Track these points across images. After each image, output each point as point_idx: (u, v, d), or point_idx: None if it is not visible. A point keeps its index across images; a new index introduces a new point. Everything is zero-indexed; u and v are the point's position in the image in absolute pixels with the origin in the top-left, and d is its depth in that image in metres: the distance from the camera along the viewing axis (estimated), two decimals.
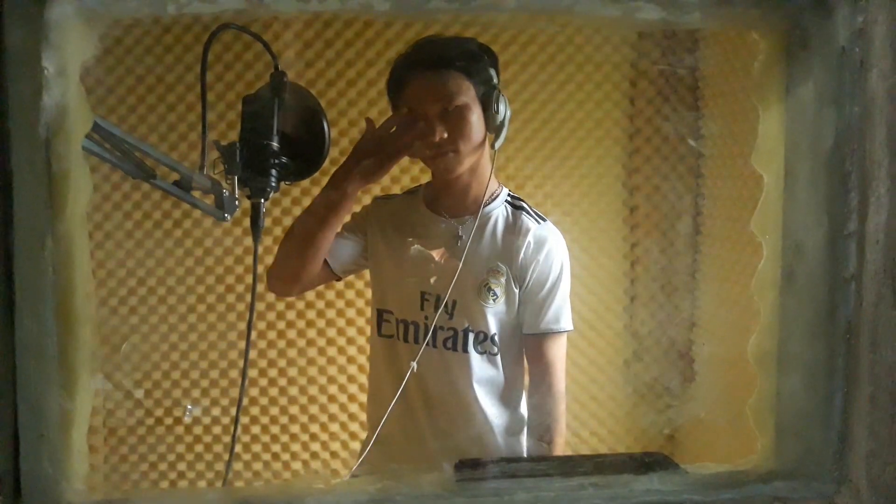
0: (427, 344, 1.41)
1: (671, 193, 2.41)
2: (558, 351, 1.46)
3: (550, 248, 1.43)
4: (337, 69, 2.32)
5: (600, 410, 2.47)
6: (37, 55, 0.53)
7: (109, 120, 2.19)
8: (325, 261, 1.48)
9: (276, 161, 1.33)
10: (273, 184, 1.34)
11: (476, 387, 1.43)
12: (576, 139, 2.39)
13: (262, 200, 1.34)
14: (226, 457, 2.37)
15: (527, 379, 1.51)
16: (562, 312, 1.45)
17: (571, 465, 0.65)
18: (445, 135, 1.35)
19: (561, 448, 1.46)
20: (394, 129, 1.38)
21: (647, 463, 0.65)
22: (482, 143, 1.40)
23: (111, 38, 2.12)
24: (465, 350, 1.43)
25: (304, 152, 1.41)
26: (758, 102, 0.73)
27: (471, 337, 1.42)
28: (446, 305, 1.41)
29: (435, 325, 1.41)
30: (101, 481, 2.14)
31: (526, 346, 1.47)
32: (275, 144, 1.34)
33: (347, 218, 1.53)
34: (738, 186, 2.12)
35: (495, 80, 1.40)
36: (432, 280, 1.44)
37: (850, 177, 0.64)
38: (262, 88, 1.41)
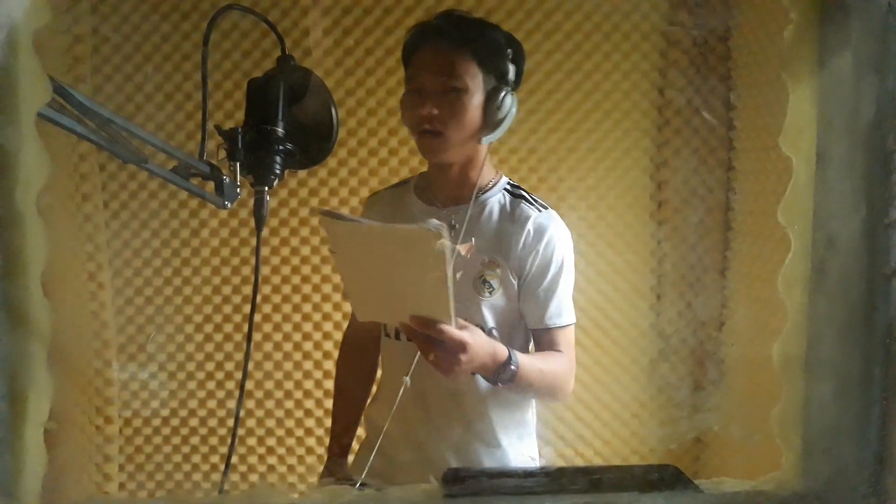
0: None
1: (701, 188, 2.32)
2: (567, 340, 1.40)
3: (551, 236, 1.36)
4: (355, 58, 2.27)
5: (623, 411, 2.39)
6: None
7: (114, 100, 2.18)
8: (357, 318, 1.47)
9: (281, 147, 1.28)
10: (277, 171, 1.29)
11: (474, 383, 1.35)
12: (604, 129, 2.30)
13: (266, 188, 1.29)
14: (241, 449, 2.35)
15: None
16: (564, 306, 1.39)
17: (564, 482, 0.58)
18: (435, 111, 1.28)
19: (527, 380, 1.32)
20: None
21: (652, 480, 0.58)
22: (475, 135, 1.33)
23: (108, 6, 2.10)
24: None
25: (311, 139, 1.36)
26: (787, 78, 0.65)
27: None
28: None
29: None
30: (76, 484, 2.12)
31: (534, 340, 1.42)
32: (280, 130, 1.29)
33: None
34: (772, 179, 2.02)
35: (511, 77, 1.33)
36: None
37: (893, 156, 0.56)
38: (269, 72, 1.36)
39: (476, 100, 1.30)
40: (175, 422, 2.34)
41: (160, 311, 2.30)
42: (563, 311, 1.38)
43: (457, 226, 1.36)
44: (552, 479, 0.61)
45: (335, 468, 1.56)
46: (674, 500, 0.54)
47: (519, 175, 2.29)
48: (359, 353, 1.59)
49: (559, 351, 1.38)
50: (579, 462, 2.36)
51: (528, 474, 0.61)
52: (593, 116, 2.30)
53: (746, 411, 1.97)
